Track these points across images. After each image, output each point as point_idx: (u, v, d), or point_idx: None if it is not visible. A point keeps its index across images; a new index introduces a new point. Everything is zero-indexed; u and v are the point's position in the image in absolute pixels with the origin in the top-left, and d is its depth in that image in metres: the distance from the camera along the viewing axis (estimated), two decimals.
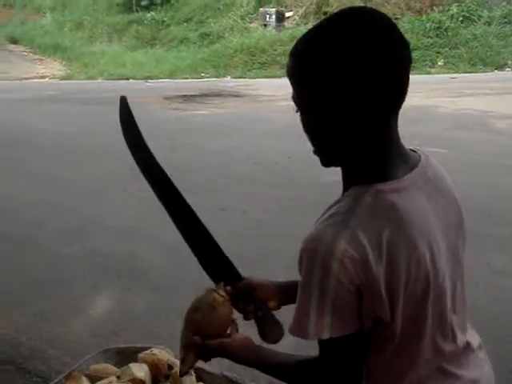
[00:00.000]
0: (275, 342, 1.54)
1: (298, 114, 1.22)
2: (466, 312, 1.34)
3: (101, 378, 2.08)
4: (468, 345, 1.32)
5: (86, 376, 2.10)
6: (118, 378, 2.08)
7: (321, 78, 1.12)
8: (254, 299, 1.55)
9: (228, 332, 1.48)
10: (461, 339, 1.29)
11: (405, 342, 1.20)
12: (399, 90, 1.15)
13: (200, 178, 6.75)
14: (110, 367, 2.13)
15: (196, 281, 4.02)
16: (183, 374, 1.57)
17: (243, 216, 5.52)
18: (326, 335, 1.14)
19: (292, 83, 1.18)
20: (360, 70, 1.09)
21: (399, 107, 1.17)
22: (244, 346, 1.41)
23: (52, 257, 4.85)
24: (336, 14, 1.17)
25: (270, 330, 1.56)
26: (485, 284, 4.06)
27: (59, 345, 3.56)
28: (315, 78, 1.13)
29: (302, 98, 1.18)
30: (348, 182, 1.23)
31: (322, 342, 1.18)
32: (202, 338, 1.44)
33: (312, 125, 1.20)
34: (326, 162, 1.25)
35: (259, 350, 1.40)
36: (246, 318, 1.55)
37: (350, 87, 1.10)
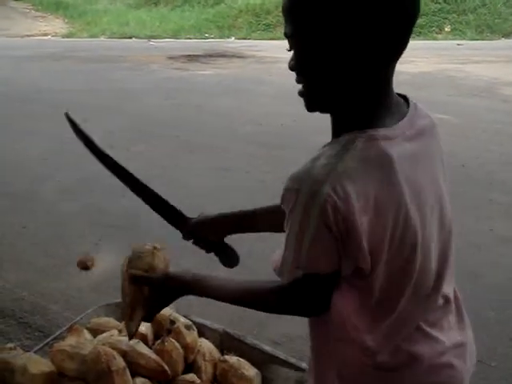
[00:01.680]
0: (232, 266, 1.77)
1: (291, 52, 1.17)
2: (453, 272, 1.31)
3: (102, 332, 2.09)
4: (451, 307, 1.30)
5: (88, 329, 2.11)
6: (120, 331, 2.09)
7: (322, 11, 1.06)
8: (204, 235, 1.74)
9: None
10: (443, 300, 1.27)
11: (384, 298, 1.18)
12: (404, 36, 1.11)
13: (203, 139, 6.73)
14: (112, 321, 2.14)
15: None
16: (133, 334, 1.55)
17: (247, 176, 5.50)
18: (302, 269, 1.13)
19: (287, 16, 1.13)
20: (361, 10, 1.05)
21: (400, 55, 1.14)
22: (192, 274, 1.43)
23: (53, 213, 4.85)
24: None
25: (226, 257, 1.77)
26: (487, 250, 4.06)
27: (60, 300, 3.58)
28: (316, 10, 1.07)
29: (297, 33, 1.12)
30: (338, 129, 1.18)
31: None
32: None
33: (306, 61, 1.14)
34: (312, 105, 1.19)
35: (209, 278, 1.40)
36: (206, 252, 1.79)
37: (351, 22, 1.05)
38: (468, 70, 10.51)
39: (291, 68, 1.17)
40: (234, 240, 1.75)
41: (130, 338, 1.59)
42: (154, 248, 1.57)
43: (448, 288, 1.28)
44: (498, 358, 2.92)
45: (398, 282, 1.18)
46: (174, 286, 1.44)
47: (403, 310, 1.20)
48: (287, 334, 2.99)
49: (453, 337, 1.28)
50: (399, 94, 1.25)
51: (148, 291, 1.48)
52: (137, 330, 1.54)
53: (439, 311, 1.26)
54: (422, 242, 1.17)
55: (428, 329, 1.24)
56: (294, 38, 1.14)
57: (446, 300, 1.28)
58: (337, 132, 1.18)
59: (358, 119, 1.14)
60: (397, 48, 1.12)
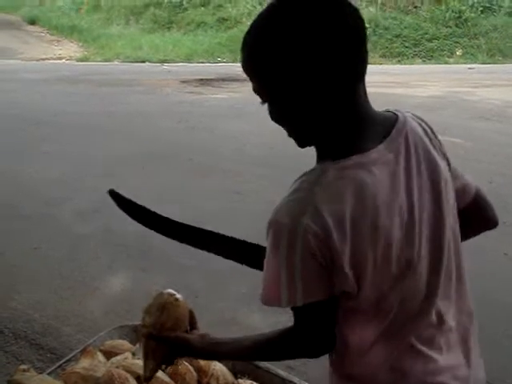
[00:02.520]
0: None
1: (265, 104, 1.21)
2: (457, 292, 1.30)
3: (116, 354, 2.08)
4: (446, 325, 1.28)
5: (101, 351, 2.10)
6: (133, 354, 2.08)
7: (276, 64, 1.11)
8: None
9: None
10: (436, 317, 1.26)
11: (374, 314, 1.20)
12: (356, 57, 1.13)
13: (216, 162, 6.76)
14: (126, 343, 2.14)
15: (210, 262, 4.06)
16: (147, 380, 1.53)
17: (258, 199, 5.50)
18: (299, 301, 1.16)
19: (250, 76, 1.18)
20: (312, 45, 1.08)
21: (362, 75, 1.16)
22: (205, 338, 1.41)
23: (67, 235, 4.88)
24: None
25: None
26: (502, 275, 4.03)
27: (73, 322, 3.59)
28: (271, 65, 1.12)
29: (263, 89, 1.18)
30: (318, 157, 1.22)
31: (296, 310, 1.19)
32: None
33: (280, 111, 1.19)
34: (302, 143, 1.24)
35: (221, 340, 1.40)
36: None
37: (305, 65, 1.10)
38: (479, 94, 10.52)
39: (271, 118, 1.22)
40: None
41: (144, 382, 1.57)
42: (175, 299, 1.52)
43: (444, 306, 1.27)
44: None
45: (387, 298, 1.19)
46: (191, 351, 1.44)
47: (393, 324, 1.21)
48: (301, 359, 2.97)
49: (452, 358, 1.27)
50: (390, 111, 1.26)
51: (165, 349, 1.47)
52: (150, 377, 1.52)
53: (432, 328, 1.25)
54: (407, 259, 1.18)
55: (420, 346, 1.23)
56: (261, 93, 1.19)
57: (439, 317, 1.26)
58: (321, 154, 1.22)
59: (333, 148, 1.18)
60: (355, 70, 1.14)
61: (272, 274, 1.18)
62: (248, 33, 1.16)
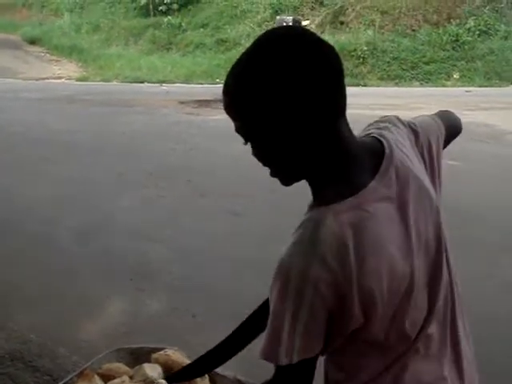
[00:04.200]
0: None
1: (248, 144, 1.23)
2: (452, 327, 1.31)
3: (113, 378, 2.07)
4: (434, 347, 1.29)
5: (99, 375, 2.09)
6: (131, 377, 2.07)
7: (258, 106, 1.13)
8: None
9: None
10: (436, 348, 1.28)
11: (376, 340, 1.23)
12: (336, 93, 1.15)
13: (214, 183, 6.78)
14: (123, 367, 2.13)
15: (208, 283, 4.06)
16: None
17: (257, 221, 5.51)
18: (295, 359, 1.16)
19: (233, 118, 1.20)
20: (292, 85, 1.10)
21: (343, 109, 1.18)
22: None
23: (65, 255, 4.87)
24: (257, 39, 1.19)
25: None
26: (498, 299, 4.02)
27: (69, 344, 3.57)
28: (253, 107, 1.13)
29: (246, 130, 1.20)
30: (313, 191, 1.24)
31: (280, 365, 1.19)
32: None
33: (263, 152, 1.21)
34: (286, 182, 1.26)
35: None
36: None
37: (287, 106, 1.11)
38: (476, 117, 10.57)
39: (254, 157, 1.24)
40: None
41: None
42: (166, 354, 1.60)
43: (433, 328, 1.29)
44: None
45: (390, 325, 1.21)
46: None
47: (389, 347, 1.24)
48: None
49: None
50: (374, 136, 1.27)
51: None
52: None
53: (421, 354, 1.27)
54: (409, 287, 1.20)
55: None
56: (244, 134, 1.21)
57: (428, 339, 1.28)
58: (314, 193, 1.24)
59: (325, 186, 1.20)
60: (336, 105, 1.16)
61: (275, 328, 1.17)
62: (229, 76, 1.18)
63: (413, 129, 1.35)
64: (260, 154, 1.22)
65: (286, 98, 1.11)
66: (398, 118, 1.37)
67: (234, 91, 1.16)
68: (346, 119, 1.19)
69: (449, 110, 1.68)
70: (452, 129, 1.58)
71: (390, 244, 1.17)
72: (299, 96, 1.11)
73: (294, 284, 1.13)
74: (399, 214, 1.20)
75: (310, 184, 1.24)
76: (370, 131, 1.31)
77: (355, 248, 1.13)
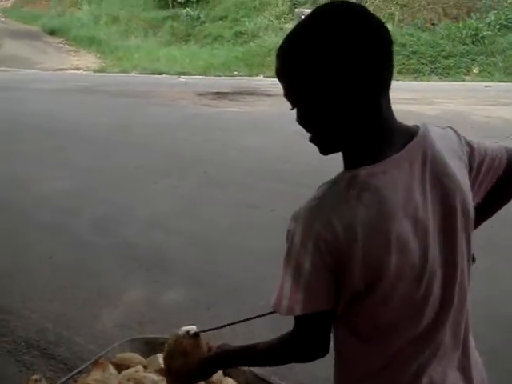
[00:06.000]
0: None
1: (294, 110, 1.26)
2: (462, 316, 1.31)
3: (127, 367, 2.09)
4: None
5: (113, 364, 2.11)
6: (145, 367, 2.08)
7: (307, 71, 1.17)
8: None
9: None
10: (443, 339, 1.27)
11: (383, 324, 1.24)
12: (383, 68, 1.17)
13: (230, 175, 6.78)
14: (137, 356, 2.14)
15: (223, 275, 4.07)
16: None
17: (272, 214, 5.50)
18: (297, 311, 1.21)
19: (282, 83, 1.23)
20: (342, 55, 1.13)
21: (388, 85, 1.20)
22: (220, 351, 1.52)
23: (81, 246, 4.90)
24: (315, 9, 1.22)
25: None
26: None
27: (85, 333, 3.59)
28: (302, 71, 1.17)
29: (293, 93, 1.23)
30: (345, 164, 1.26)
31: (296, 317, 1.25)
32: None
33: (308, 117, 1.24)
34: (325, 150, 1.28)
35: (234, 349, 1.48)
36: None
37: (333, 74, 1.14)
38: (496, 112, 10.47)
39: (298, 123, 1.27)
40: None
41: None
42: (194, 340, 1.60)
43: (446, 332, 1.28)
44: None
45: (400, 308, 1.22)
46: (209, 370, 1.54)
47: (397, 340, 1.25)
48: (313, 376, 2.97)
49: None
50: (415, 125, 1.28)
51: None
52: None
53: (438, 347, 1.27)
54: (420, 270, 1.20)
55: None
56: (291, 98, 1.24)
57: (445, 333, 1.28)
58: (344, 164, 1.26)
59: (354, 157, 1.22)
60: (381, 80, 1.18)
61: (281, 280, 1.23)
62: (284, 41, 1.22)
63: (468, 142, 1.36)
64: (303, 118, 1.25)
65: (334, 67, 1.14)
66: (453, 128, 1.38)
67: (286, 54, 1.21)
68: (388, 94, 1.21)
69: None
70: None
71: (403, 216, 1.17)
72: (346, 66, 1.14)
73: (298, 238, 1.19)
74: (418, 191, 1.21)
75: (343, 156, 1.26)
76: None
77: (364, 212, 1.15)
